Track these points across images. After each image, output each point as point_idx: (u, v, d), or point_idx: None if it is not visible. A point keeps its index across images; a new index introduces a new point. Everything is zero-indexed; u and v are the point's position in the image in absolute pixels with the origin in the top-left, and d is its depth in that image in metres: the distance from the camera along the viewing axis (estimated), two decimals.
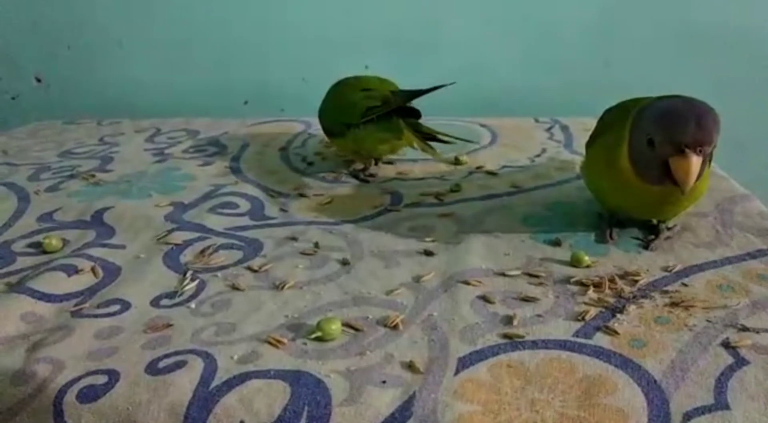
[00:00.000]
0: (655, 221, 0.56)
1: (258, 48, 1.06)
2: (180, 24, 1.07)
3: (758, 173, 0.89)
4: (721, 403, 0.36)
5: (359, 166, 0.76)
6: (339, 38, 1.03)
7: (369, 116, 0.70)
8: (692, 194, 0.51)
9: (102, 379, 0.40)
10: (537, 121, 0.92)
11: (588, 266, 0.51)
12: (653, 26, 0.99)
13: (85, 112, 1.08)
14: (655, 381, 0.38)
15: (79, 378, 0.40)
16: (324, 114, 0.78)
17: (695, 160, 0.46)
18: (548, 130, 0.88)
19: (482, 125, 0.90)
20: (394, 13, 1.02)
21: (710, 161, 0.54)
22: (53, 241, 0.58)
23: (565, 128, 0.88)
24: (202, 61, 1.08)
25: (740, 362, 0.39)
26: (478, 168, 0.75)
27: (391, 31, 1.02)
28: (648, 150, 0.48)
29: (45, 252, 0.57)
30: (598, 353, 0.40)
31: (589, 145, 0.60)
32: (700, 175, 0.47)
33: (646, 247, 0.54)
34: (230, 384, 0.39)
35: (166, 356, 0.42)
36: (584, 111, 0.91)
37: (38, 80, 1.14)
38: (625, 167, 0.51)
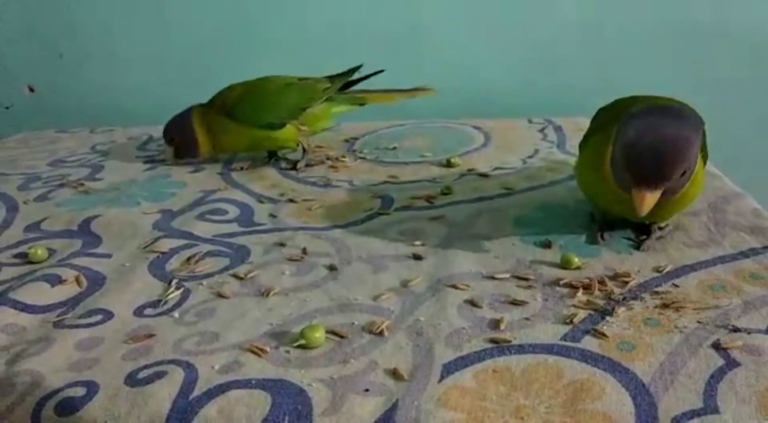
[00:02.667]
0: (647, 222, 0.56)
1: (250, 53, 1.06)
2: (172, 30, 1.06)
3: (755, 172, 0.88)
4: (710, 407, 0.35)
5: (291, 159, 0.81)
6: (330, 42, 1.03)
7: (329, 93, 0.79)
8: (684, 198, 0.51)
9: (81, 391, 0.39)
10: (530, 121, 0.92)
11: (578, 268, 0.50)
12: (649, 25, 0.98)
13: (78, 120, 1.08)
14: (644, 385, 0.37)
15: (58, 390, 0.39)
16: (262, 110, 0.77)
17: (648, 196, 0.45)
18: (541, 130, 0.87)
19: (475, 127, 0.90)
20: (384, 14, 1.01)
21: (705, 161, 0.54)
22: (39, 251, 0.57)
23: (558, 128, 0.87)
24: (195, 66, 1.07)
25: (731, 364, 0.38)
26: (469, 170, 0.74)
27: (381, 32, 1.01)
28: (618, 173, 0.49)
29: (30, 262, 0.57)
30: (586, 357, 0.40)
31: (582, 145, 0.59)
32: (680, 196, 0.48)
33: (637, 248, 0.53)
34: (210, 394, 0.38)
35: (147, 367, 0.41)
36: (578, 111, 0.91)
37: (31, 90, 1.14)
38: (608, 172, 0.50)
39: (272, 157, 0.82)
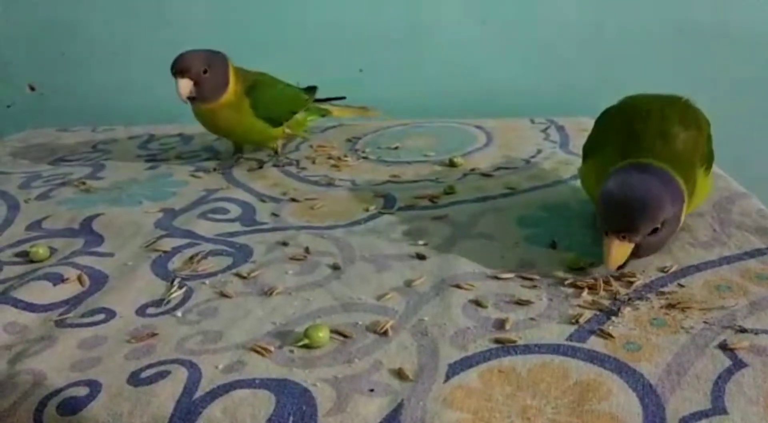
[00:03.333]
0: None
1: (251, 53, 1.05)
2: (174, 29, 1.06)
3: (759, 173, 0.87)
4: (718, 408, 0.35)
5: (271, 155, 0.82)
6: (332, 41, 1.02)
7: (309, 102, 0.84)
8: (691, 202, 0.51)
9: (83, 391, 0.39)
10: (533, 121, 0.91)
11: (583, 268, 0.50)
12: (650, 25, 0.97)
13: (80, 119, 1.08)
14: (651, 385, 0.37)
15: (60, 390, 0.39)
16: (272, 104, 0.78)
17: (616, 244, 0.46)
18: (544, 130, 0.87)
19: (478, 127, 0.89)
20: (387, 14, 1.01)
21: (709, 170, 0.54)
22: (40, 250, 0.57)
23: (560, 128, 0.87)
24: None
25: (738, 365, 0.38)
26: (472, 170, 0.74)
27: (384, 32, 1.01)
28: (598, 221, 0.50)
29: (32, 261, 0.57)
30: (592, 357, 0.39)
31: (586, 150, 0.59)
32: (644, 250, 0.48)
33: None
34: (214, 394, 0.38)
35: (150, 366, 0.41)
36: (580, 111, 0.90)
37: (32, 88, 1.14)
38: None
39: (237, 152, 0.82)
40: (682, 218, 0.50)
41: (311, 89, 0.86)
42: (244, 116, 0.76)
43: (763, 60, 0.97)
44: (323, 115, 0.87)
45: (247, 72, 0.78)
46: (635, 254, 0.47)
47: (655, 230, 0.47)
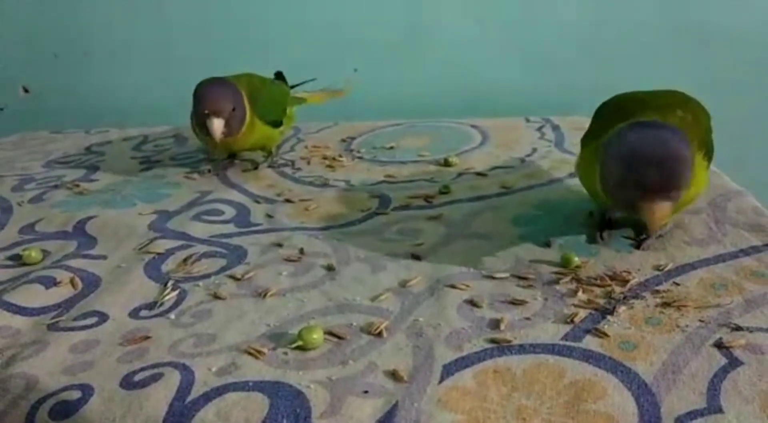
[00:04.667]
0: None
1: (246, 53, 1.05)
2: (169, 31, 1.06)
3: (756, 171, 0.87)
4: (714, 407, 0.35)
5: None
6: (326, 41, 1.02)
7: (301, 99, 0.85)
8: (685, 198, 0.49)
9: (75, 395, 0.38)
10: (528, 120, 0.91)
11: (578, 267, 0.50)
12: (649, 25, 0.97)
13: (74, 121, 1.07)
14: (646, 384, 0.37)
15: (52, 394, 0.39)
16: (274, 105, 0.78)
17: (658, 204, 0.43)
18: (539, 129, 0.87)
19: (473, 126, 0.89)
20: (382, 13, 1.01)
21: (709, 162, 0.53)
22: (33, 253, 0.57)
23: (556, 127, 0.87)
24: (191, 66, 1.06)
25: (734, 363, 0.38)
26: (467, 169, 0.73)
27: (378, 32, 1.01)
28: (615, 190, 0.46)
29: (25, 264, 0.56)
30: (588, 357, 0.39)
31: (584, 141, 0.58)
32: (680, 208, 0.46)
33: (638, 247, 0.52)
34: (207, 397, 0.38)
35: (143, 369, 0.40)
36: (579, 111, 0.90)
37: (26, 90, 1.13)
38: (600, 191, 0.49)
39: (231, 157, 0.81)
40: (694, 169, 0.46)
41: (280, 77, 0.85)
42: (257, 130, 0.75)
43: (763, 60, 0.97)
44: (299, 104, 0.85)
45: (236, 78, 0.76)
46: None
47: (686, 185, 0.44)
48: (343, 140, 0.87)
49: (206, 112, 0.69)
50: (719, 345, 0.39)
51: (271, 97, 0.78)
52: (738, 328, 0.41)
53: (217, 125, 0.69)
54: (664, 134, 0.44)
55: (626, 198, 0.45)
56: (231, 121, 0.70)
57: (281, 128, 0.79)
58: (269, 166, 0.78)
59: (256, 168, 0.78)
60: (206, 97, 0.70)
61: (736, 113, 0.95)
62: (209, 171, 0.78)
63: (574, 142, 0.76)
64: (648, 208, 0.43)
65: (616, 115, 0.52)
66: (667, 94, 0.54)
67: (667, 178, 0.43)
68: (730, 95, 0.96)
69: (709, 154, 0.52)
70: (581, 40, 0.98)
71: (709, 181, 0.56)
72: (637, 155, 0.43)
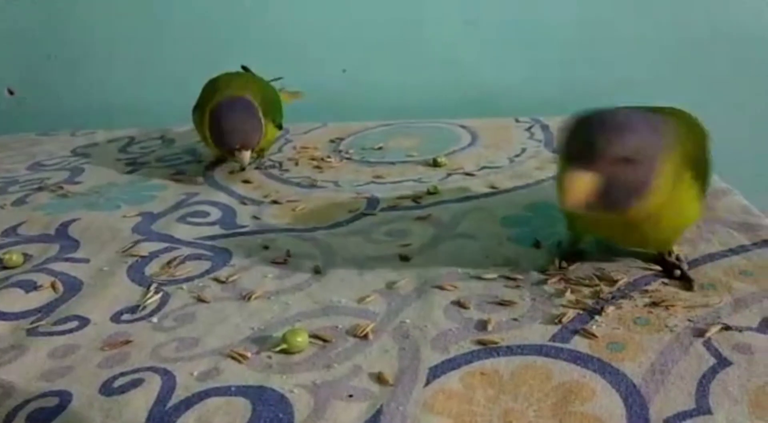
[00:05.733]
0: (655, 252, 0.49)
1: (237, 53, 1.03)
2: (157, 30, 1.05)
3: (753, 174, 0.87)
4: (702, 408, 0.34)
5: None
6: (317, 41, 1.01)
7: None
8: (660, 221, 0.44)
9: (53, 401, 0.38)
10: (517, 120, 0.91)
11: (567, 267, 0.49)
12: (640, 25, 0.97)
13: (60, 123, 1.06)
14: (634, 385, 0.36)
15: (29, 400, 0.38)
16: (278, 109, 0.78)
17: (573, 174, 0.38)
18: (528, 129, 0.86)
19: (462, 126, 0.89)
20: (371, 13, 1.00)
21: (701, 186, 0.46)
22: (14, 256, 0.56)
23: (545, 127, 0.87)
24: (182, 67, 1.05)
25: (722, 363, 0.38)
26: (456, 170, 0.73)
27: (367, 32, 1.00)
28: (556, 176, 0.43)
29: (5, 267, 0.55)
30: (575, 358, 0.39)
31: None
32: (612, 197, 0.39)
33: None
34: (188, 402, 0.37)
35: (123, 375, 0.40)
36: (570, 111, 0.90)
37: (11, 92, 1.12)
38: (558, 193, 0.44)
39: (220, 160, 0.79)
40: (664, 170, 0.41)
41: (247, 71, 0.83)
42: (268, 135, 0.74)
43: (763, 60, 0.97)
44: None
45: (245, 88, 0.73)
46: (603, 197, 0.39)
47: (626, 161, 0.38)
48: (332, 141, 0.87)
49: (237, 147, 0.69)
50: (708, 345, 0.39)
51: (276, 100, 0.78)
52: (727, 328, 0.41)
53: (247, 156, 0.70)
54: (617, 111, 0.40)
55: (558, 178, 0.41)
56: (255, 148, 0.72)
57: (280, 128, 0.79)
58: (256, 168, 0.77)
59: (243, 169, 0.77)
60: (237, 132, 0.69)
61: (736, 112, 0.95)
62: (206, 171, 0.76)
63: None
64: (567, 178, 0.39)
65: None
66: (660, 108, 0.48)
67: (587, 144, 0.38)
68: (729, 94, 0.96)
69: (698, 174, 0.45)
70: (572, 39, 0.98)
71: (700, 211, 0.48)
72: (568, 124, 0.40)
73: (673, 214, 0.44)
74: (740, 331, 0.40)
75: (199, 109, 0.74)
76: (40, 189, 0.74)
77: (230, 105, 0.70)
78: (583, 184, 0.38)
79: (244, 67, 0.84)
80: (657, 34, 0.97)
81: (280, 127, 0.78)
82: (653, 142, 0.40)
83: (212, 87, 0.75)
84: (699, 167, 0.45)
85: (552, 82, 0.99)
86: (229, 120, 0.69)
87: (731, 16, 0.95)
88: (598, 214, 0.43)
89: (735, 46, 0.96)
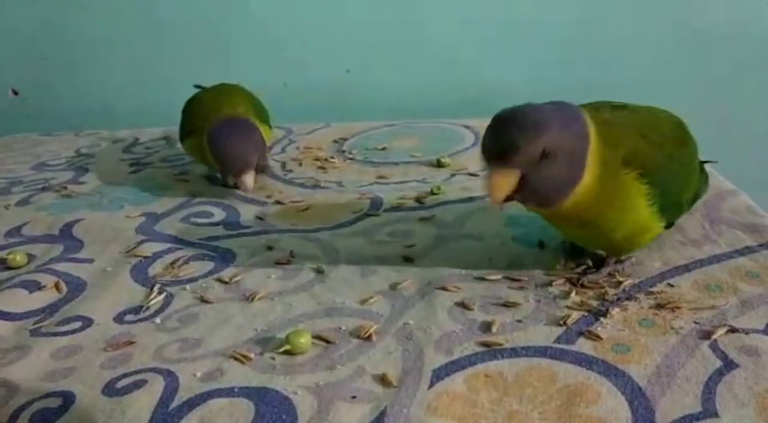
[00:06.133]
0: (599, 253, 0.49)
1: (238, 54, 1.04)
2: (159, 31, 1.05)
3: (755, 173, 0.87)
4: (709, 411, 0.34)
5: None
6: (319, 41, 1.01)
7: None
8: (604, 222, 0.43)
9: (56, 402, 0.38)
10: None
11: (571, 268, 0.49)
12: (642, 24, 0.97)
13: (64, 123, 1.06)
14: (640, 388, 0.36)
15: (32, 401, 0.38)
16: (266, 112, 0.76)
17: (496, 173, 0.39)
18: None
19: (465, 126, 0.88)
20: (374, 14, 1.00)
21: (654, 193, 0.42)
22: (18, 256, 0.56)
23: None
24: (181, 68, 1.06)
25: (729, 366, 0.37)
26: (460, 170, 0.73)
27: (371, 32, 1.00)
28: None
29: (9, 268, 0.55)
30: (580, 360, 0.38)
31: None
32: (539, 192, 0.40)
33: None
34: (191, 404, 0.37)
35: (126, 375, 0.40)
36: None
37: (15, 93, 1.12)
38: None
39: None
40: (587, 162, 0.40)
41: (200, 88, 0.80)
42: (267, 138, 0.73)
43: (761, 60, 0.97)
44: None
45: (237, 104, 0.71)
46: (525, 191, 0.40)
47: (544, 157, 0.39)
48: (336, 141, 0.87)
49: (237, 170, 0.65)
50: (714, 347, 0.39)
51: (262, 105, 0.76)
52: (733, 330, 0.40)
53: (250, 179, 0.66)
54: (534, 106, 0.40)
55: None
56: (258, 162, 0.68)
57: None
58: (261, 171, 0.77)
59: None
60: (235, 158, 0.65)
61: (735, 113, 0.95)
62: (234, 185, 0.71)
63: None
64: (487, 177, 0.40)
65: None
66: (631, 107, 0.47)
67: (505, 141, 0.38)
68: (728, 94, 0.96)
69: (664, 185, 0.43)
70: (575, 39, 0.98)
71: (659, 221, 0.45)
72: (489, 125, 0.41)
73: (616, 217, 0.43)
74: (747, 333, 0.40)
75: (194, 134, 0.70)
76: (44, 189, 0.74)
77: (228, 134, 0.66)
78: (503, 182, 0.39)
79: (197, 86, 0.80)
80: (657, 34, 0.96)
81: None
82: (574, 137, 0.40)
83: (199, 108, 0.72)
84: (662, 174, 0.43)
85: (552, 82, 0.98)
86: (227, 148, 0.65)
87: (731, 16, 0.95)
88: (539, 211, 0.44)
89: (735, 46, 0.95)
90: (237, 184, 0.67)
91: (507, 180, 0.39)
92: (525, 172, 0.39)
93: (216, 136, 0.66)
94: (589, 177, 0.41)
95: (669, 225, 0.47)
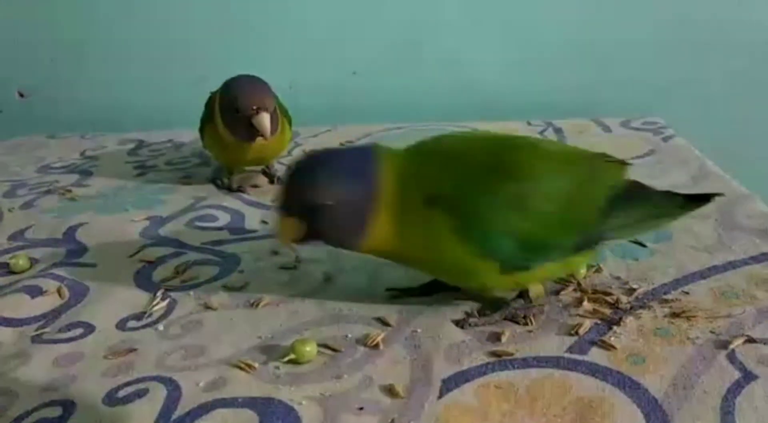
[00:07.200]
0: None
1: (244, 56, 1.03)
2: (167, 33, 1.04)
3: (762, 172, 0.85)
4: None
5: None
6: (325, 43, 1.01)
7: None
8: (437, 263, 0.42)
9: (56, 412, 0.37)
10: (529, 123, 0.89)
11: (583, 276, 0.48)
12: (648, 25, 0.96)
13: (70, 126, 1.06)
14: (656, 400, 0.35)
15: (32, 410, 0.37)
16: (284, 107, 0.73)
17: (280, 219, 0.42)
18: (541, 133, 0.85)
19: (473, 130, 0.87)
20: (381, 16, 0.99)
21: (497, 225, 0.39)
22: (20, 261, 0.55)
23: (558, 130, 0.85)
24: (189, 70, 1.05)
25: (748, 377, 0.36)
26: None
27: (378, 34, 0.99)
28: None
29: (12, 272, 0.55)
30: (594, 371, 0.37)
31: None
32: (329, 237, 0.42)
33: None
34: (194, 414, 0.36)
35: (127, 384, 0.39)
36: (578, 111, 0.89)
37: (21, 95, 1.12)
38: None
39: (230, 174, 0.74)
40: (377, 206, 0.40)
41: None
42: (285, 138, 0.71)
43: (760, 60, 0.95)
44: None
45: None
46: (320, 236, 0.42)
47: (322, 207, 0.40)
48: (342, 144, 0.86)
49: (255, 108, 0.61)
50: (732, 358, 0.38)
51: (284, 106, 0.73)
52: (751, 340, 0.39)
53: (266, 120, 0.62)
54: (325, 155, 0.43)
55: None
56: (273, 117, 0.63)
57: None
58: (263, 173, 0.76)
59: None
60: (252, 92, 0.62)
61: (734, 113, 0.94)
62: (239, 188, 0.71)
63: (577, 144, 0.74)
64: (275, 221, 0.43)
65: None
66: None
67: (286, 192, 0.42)
68: (728, 94, 0.94)
69: (469, 222, 0.40)
70: (580, 41, 0.96)
71: (481, 269, 0.41)
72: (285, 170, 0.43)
73: (431, 257, 0.41)
74: (765, 343, 0.39)
75: (213, 120, 0.68)
76: (48, 192, 0.74)
77: (243, 78, 0.65)
78: (286, 228, 0.42)
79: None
80: (657, 34, 0.95)
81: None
82: (357, 186, 0.41)
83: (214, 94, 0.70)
84: (477, 210, 0.40)
85: (556, 83, 0.97)
86: (243, 85, 0.63)
87: (731, 17, 0.93)
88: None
89: (735, 46, 0.94)
90: (239, 186, 0.66)
91: (290, 226, 0.42)
92: (307, 220, 0.41)
93: (229, 82, 0.65)
94: (385, 218, 0.41)
95: (522, 268, 0.42)
